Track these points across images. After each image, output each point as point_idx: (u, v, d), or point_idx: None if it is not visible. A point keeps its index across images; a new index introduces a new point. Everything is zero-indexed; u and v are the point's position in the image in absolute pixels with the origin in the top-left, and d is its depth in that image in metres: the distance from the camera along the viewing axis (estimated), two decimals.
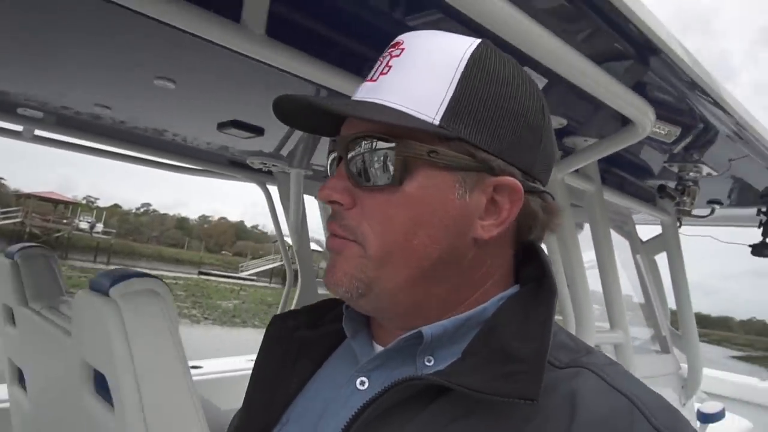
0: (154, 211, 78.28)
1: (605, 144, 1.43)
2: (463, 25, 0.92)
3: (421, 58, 0.51)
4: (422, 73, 0.50)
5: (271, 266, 46.49)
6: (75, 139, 2.26)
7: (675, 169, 1.88)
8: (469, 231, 0.51)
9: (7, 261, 1.67)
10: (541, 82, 1.35)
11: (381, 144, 0.50)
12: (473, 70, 0.50)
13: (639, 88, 1.24)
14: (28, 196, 44.07)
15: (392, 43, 0.54)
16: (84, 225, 46.15)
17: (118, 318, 1.05)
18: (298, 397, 0.59)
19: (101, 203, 66.91)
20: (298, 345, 0.62)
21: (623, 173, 2.09)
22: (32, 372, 1.66)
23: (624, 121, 1.41)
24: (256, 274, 44.49)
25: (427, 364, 0.51)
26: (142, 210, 76.81)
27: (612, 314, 1.80)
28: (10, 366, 1.81)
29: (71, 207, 48.51)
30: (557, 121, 1.53)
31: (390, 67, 0.52)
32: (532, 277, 0.55)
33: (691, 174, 1.82)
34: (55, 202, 45.80)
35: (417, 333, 0.51)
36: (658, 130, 1.41)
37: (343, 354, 0.60)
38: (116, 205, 71.95)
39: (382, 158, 0.50)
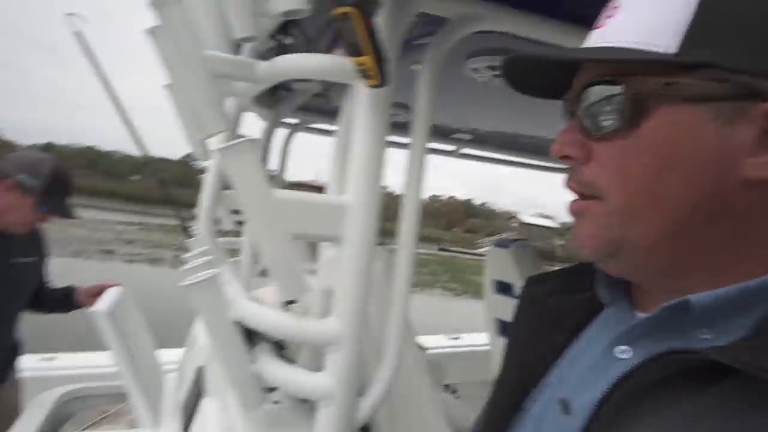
0: (390, 192, 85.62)
1: None
2: None
3: None
4: (653, 3, 0.44)
5: None
6: (495, 154, 3.16)
7: None
8: (735, 172, 0.42)
9: (505, 250, 2.49)
10: None
11: (609, 87, 0.46)
12: None
13: None
14: (300, 184, 52.39)
15: None
16: None
17: None
18: (555, 365, 0.56)
19: None
20: (554, 310, 0.60)
21: None
22: None
23: None
24: None
25: (702, 337, 0.44)
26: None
27: None
28: (497, 323, 2.64)
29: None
30: None
31: (616, 8, 0.47)
32: None
33: None
34: (318, 189, 53.66)
35: (684, 301, 0.44)
36: None
37: (603, 321, 0.55)
38: None
39: (612, 102, 0.45)
